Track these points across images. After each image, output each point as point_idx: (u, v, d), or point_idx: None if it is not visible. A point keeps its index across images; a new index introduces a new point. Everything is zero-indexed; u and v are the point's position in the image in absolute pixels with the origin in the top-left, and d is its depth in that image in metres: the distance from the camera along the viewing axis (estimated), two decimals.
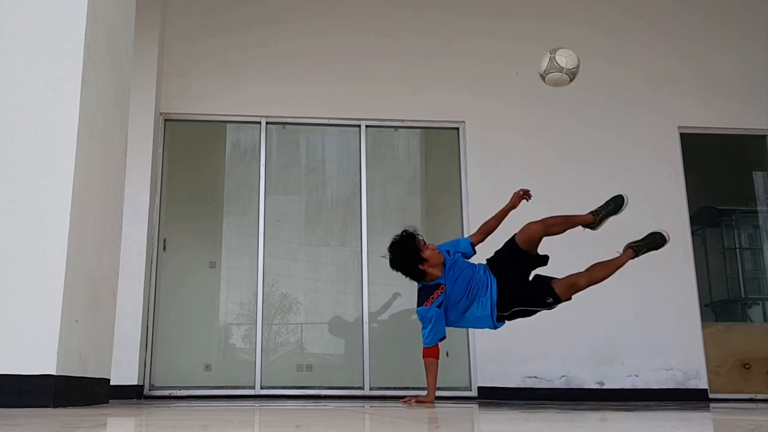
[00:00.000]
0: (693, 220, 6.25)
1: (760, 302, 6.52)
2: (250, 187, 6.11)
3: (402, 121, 6.28)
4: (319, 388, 5.73)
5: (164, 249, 5.86)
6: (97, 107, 3.26)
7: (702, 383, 5.84)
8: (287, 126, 6.26)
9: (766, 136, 6.58)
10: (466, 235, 6.04)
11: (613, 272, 4.11)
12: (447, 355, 5.96)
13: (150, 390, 5.57)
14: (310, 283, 6.07)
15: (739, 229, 6.59)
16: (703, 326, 5.98)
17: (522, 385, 5.67)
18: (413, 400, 4.10)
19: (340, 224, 6.15)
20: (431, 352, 4.02)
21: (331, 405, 3.78)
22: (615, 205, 4.29)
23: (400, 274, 4.08)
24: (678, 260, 6.06)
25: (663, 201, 6.20)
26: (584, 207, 6.04)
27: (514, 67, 6.38)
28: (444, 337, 4.03)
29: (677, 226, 6.17)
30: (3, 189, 2.91)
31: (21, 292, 2.83)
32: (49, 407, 2.70)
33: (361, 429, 1.78)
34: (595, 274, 4.06)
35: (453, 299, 4.00)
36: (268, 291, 5.92)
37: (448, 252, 4.12)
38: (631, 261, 4.16)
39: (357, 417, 2.40)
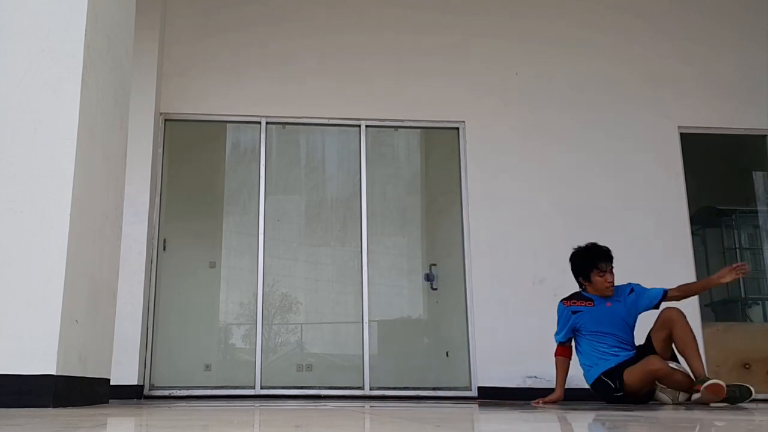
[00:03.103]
0: (693, 220, 6.25)
1: (760, 302, 6.51)
2: (250, 187, 6.11)
3: (402, 121, 6.28)
4: (319, 388, 5.72)
5: (164, 249, 5.86)
6: (97, 107, 3.26)
7: None
8: (287, 126, 6.26)
9: (766, 136, 6.57)
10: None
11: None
12: (447, 355, 5.97)
13: (150, 390, 5.57)
14: (310, 283, 6.07)
15: (739, 229, 6.59)
16: (703, 326, 5.97)
17: (522, 385, 5.66)
18: (541, 402, 4.34)
19: (340, 224, 6.14)
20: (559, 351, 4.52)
21: (331, 405, 3.78)
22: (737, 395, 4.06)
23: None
24: (678, 260, 6.06)
25: (663, 201, 6.21)
26: (582, 206, 6.09)
27: (514, 67, 6.38)
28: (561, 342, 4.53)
29: (677, 226, 6.18)
30: (3, 189, 2.91)
31: (21, 292, 2.83)
32: (49, 407, 2.70)
33: (361, 429, 1.78)
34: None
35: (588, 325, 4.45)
36: (268, 291, 5.92)
37: (632, 290, 4.48)
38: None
39: (357, 417, 2.40)
